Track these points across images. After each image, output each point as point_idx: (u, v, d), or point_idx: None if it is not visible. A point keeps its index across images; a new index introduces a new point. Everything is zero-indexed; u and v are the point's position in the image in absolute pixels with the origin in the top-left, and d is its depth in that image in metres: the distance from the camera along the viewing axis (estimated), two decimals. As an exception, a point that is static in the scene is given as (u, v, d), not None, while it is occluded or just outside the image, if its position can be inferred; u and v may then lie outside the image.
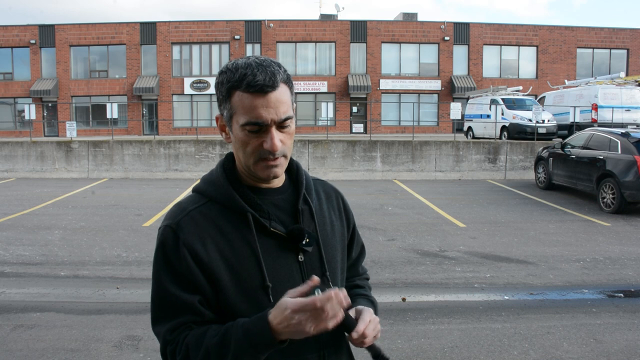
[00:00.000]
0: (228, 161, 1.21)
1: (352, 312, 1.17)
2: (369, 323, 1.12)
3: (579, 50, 30.50)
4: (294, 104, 1.16)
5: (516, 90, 19.27)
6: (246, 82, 1.06)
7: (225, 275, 1.11)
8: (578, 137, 11.42)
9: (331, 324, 1.00)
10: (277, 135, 1.09)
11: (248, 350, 1.01)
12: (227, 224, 1.14)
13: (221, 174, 1.18)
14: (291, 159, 1.24)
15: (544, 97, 19.89)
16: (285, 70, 1.12)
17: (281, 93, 1.08)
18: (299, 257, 1.18)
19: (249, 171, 1.16)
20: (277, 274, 1.15)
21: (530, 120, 16.42)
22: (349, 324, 1.10)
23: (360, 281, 1.43)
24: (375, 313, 1.24)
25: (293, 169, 1.26)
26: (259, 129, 1.08)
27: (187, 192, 11.96)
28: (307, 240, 1.17)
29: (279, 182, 1.23)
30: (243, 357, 1.02)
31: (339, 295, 0.99)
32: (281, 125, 1.10)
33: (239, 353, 1.01)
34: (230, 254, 1.12)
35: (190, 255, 1.09)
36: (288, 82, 1.12)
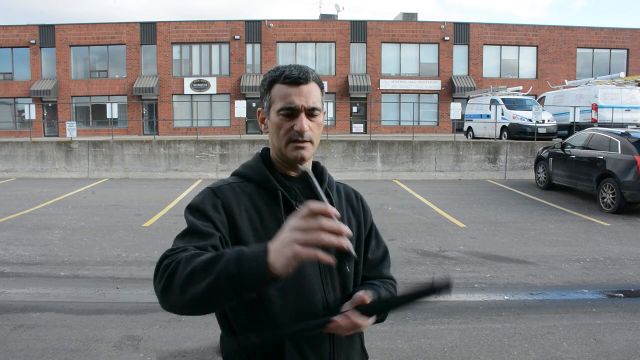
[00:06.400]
0: (264, 152, 1.39)
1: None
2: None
3: (579, 50, 30.48)
4: (324, 103, 1.35)
5: (516, 90, 19.25)
6: (284, 76, 1.27)
7: (252, 242, 1.23)
8: (578, 137, 11.42)
9: (326, 238, 0.91)
10: (305, 120, 1.26)
11: (233, 274, 0.94)
12: (260, 199, 1.29)
13: (258, 159, 1.36)
14: (318, 163, 1.42)
15: (544, 97, 19.87)
16: (317, 74, 1.32)
17: (312, 87, 1.28)
18: None
19: (281, 155, 1.30)
20: None
21: (530, 120, 16.40)
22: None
23: (381, 283, 1.40)
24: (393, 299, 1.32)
25: (319, 169, 1.42)
26: (291, 113, 1.26)
27: (188, 192, 12.01)
28: None
29: None
30: (223, 281, 0.95)
31: (336, 213, 0.93)
32: (310, 113, 1.28)
33: (221, 275, 0.95)
34: (259, 226, 1.26)
35: (225, 210, 1.24)
36: (319, 82, 1.32)
